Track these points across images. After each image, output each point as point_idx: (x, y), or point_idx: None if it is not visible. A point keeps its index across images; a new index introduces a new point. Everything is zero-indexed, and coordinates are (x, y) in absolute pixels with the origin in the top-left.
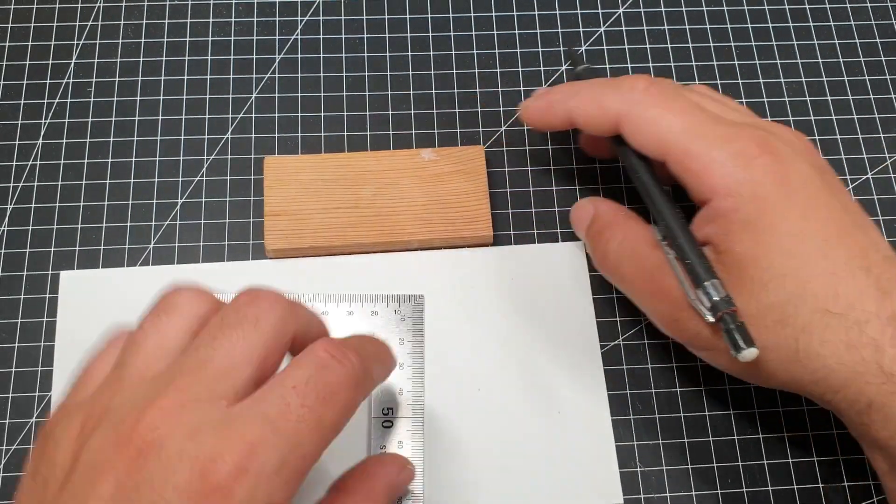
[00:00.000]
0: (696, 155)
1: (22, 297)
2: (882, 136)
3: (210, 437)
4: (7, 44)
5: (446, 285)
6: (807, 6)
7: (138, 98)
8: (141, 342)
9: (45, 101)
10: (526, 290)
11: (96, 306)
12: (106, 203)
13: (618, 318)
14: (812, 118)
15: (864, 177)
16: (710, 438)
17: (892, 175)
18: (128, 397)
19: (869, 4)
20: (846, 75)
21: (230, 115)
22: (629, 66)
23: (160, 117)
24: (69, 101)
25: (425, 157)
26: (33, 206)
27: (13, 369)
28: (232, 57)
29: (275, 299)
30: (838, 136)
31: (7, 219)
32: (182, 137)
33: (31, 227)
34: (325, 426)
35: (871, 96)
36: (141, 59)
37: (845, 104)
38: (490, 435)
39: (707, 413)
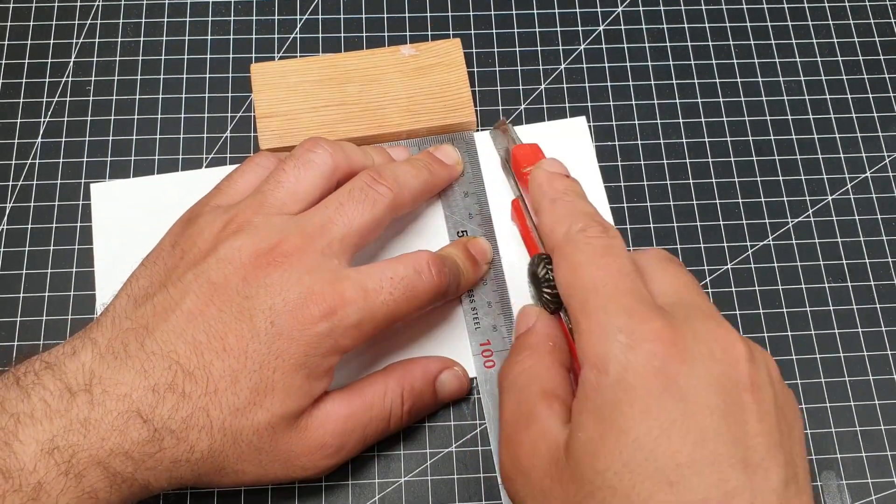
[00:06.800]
0: (590, 311)
1: (21, 295)
2: (881, 134)
3: (322, 280)
4: (6, 42)
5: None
6: (805, 5)
7: (137, 97)
8: (282, 181)
9: (44, 99)
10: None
11: (128, 217)
12: None
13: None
14: (811, 117)
15: (863, 175)
16: None
17: (891, 174)
18: (268, 221)
19: (868, 3)
20: (845, 74)
21: (229, 114)
22: (628, 64)
23: (159, 116)
24: (68, 99)
25: (405, 53)
26: (32, 204)
27: None
28: (231, 56)
29: (386, 191)
30: (837, 135)
31: (6, 217)
32: (181, 136)
33: (30, 226)
34: (396, 314)
35: (870, 95)
36: (140, 58)
37: (844, 103)
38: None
39: None
